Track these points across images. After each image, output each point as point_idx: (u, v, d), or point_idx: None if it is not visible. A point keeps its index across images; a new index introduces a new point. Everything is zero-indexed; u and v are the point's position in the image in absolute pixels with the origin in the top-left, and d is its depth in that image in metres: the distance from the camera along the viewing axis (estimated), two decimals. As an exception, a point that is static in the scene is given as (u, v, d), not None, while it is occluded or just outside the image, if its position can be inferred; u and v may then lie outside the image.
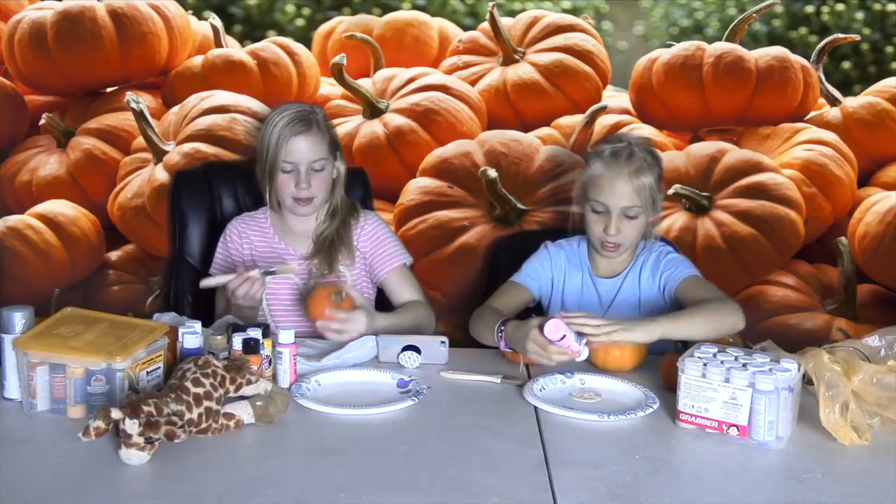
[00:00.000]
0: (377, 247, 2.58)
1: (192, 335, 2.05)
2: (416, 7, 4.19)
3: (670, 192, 3.56)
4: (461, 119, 3.80)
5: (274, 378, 2.08)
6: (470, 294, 3.43)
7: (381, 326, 2.36)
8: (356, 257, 2.57)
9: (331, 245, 2.51)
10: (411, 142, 3.75)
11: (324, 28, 4.16)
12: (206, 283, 2.40)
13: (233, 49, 4.04)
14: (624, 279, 2.47)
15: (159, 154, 3.73)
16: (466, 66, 4.00)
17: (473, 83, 3.94)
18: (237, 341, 2.05)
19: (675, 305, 2.47)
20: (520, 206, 3.64)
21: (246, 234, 2.56)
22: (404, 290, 2.59)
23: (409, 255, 2.63)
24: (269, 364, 2.08)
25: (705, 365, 1.89)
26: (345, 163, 2.57)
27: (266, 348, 2.07)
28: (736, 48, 3.83)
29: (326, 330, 2.30)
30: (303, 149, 2.44)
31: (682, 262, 2.47)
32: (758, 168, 3.67)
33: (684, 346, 2.14)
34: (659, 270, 2.45)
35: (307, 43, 4.10)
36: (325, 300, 2.30)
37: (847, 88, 4.05)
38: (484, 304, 2.44)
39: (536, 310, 2.53)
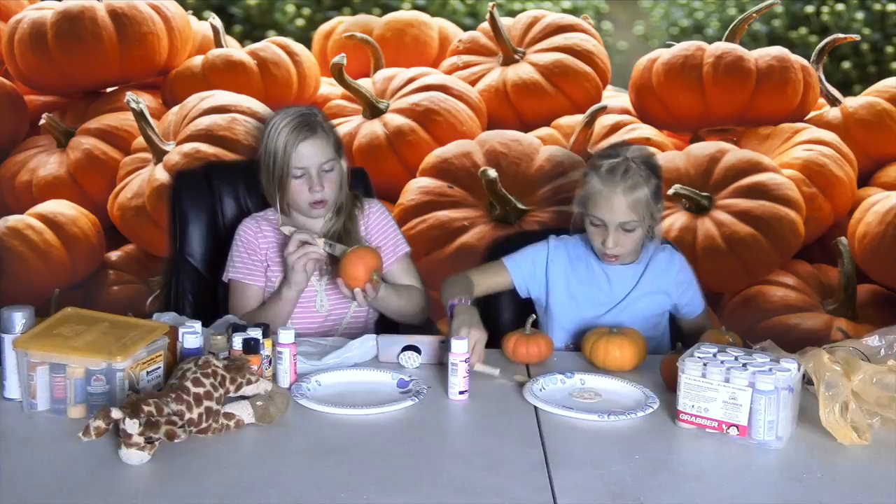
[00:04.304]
0: (382, 237, 2.59)
1: (192, 335, 2.05)
2: (416, 7, 4.20)
3: (670, 191, 3.57)
4: (461, 119, 3.81)
5: (274, 378, 2.08)
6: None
7: (381, 295, 2.40)
8: None
9: (338, 241, 2.51)
10: (411, 142, 3.76)
11: (324, 28, 4.16)
12: (285, 229, 2.44)
13: (233, 49, 4.04)
14: (638, 275, 2.49)
15: (159, 154, 3.73)
16: (466, 66, 4.00)
17: (473, 83, 3.94)
18: (237, 341, 2.05)
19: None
20: (520, 206, 3.64)
21: (262, 232, 2.56)
22: (405, 280, 2.61)
23: (408, 243, 2.66)
24: (269, 364, 2.08)
25: (705, 365, 1.89)
26: (346, 159, 2.58)
27: (266, 348, 2.07)
28: (736, 48, 3.83)
29: (359, 297, 2.35)
30: (312, 153, 2.45)
31: (695, 287, 2.55)
32: (758, 168, 3.67)
33: (684, 345, 2.14)
34: (673, 283, 2.51)
35: (307, 43, 4.11)
36: (368, 274, 2.33)
37: (847, 88, 4.05)
38: (463, 272, 2.52)
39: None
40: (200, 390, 1.82)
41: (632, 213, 2.35)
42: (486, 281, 2.51)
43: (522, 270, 2.54)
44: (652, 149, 2.67)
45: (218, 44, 4.04)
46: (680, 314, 2.56)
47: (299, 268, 2.38)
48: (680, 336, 2.57)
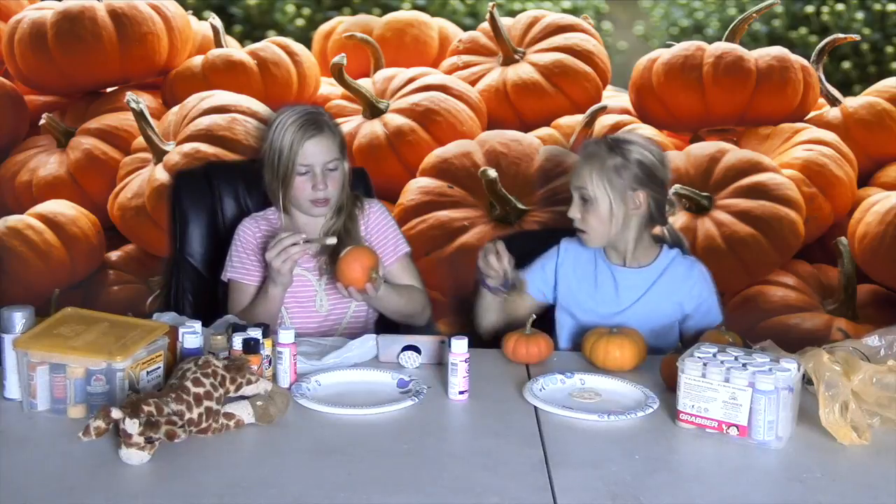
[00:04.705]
0: (382, 237, 2.60)
1: (192, 335, 2.05)
2: (416, 7, 4.19)
3: (670, 192, 3.56)
4: (461, 119, 3.80)
5: (274, 378, 2.08)
6: (470, 294, 3.43)
7: (381, 294, 2.41)
8: None
9: (339, 241, 2.51)
10: (411, 142, 3.76)
11: (324, 28, 4.16)
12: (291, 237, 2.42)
13: (233, 49, 4.04)
14: (650, 281, 2.46)
15: (159, 154, 3.73)
16: (466, 66, 4.00)
17: (473, 83, 3.94)
18: (237, 341, 2.05)
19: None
20: (520, 206, 3.64)
21: (261, 232, 2.56)
22: (405, 279, 2.61)
23: (408, 243, 2.66)
24: (269, 364, 2.08)
25: (705, 365, 1.89)
26: (349, 161, 2.59)
27: (266, 348, 2.07)
28: (736, 48, 3.83)
29: (354, 295, 2.37)
30: (318, 151, 2.45)
31: (710, 302, 2.50)
32: (758, 168, 3.67)
33: (684, 346, 2.14)
34: (688, 296, 2.47)
35: (307, 43, 4.10)
36: (367, 273, 2.33)
37: (847, 88, 4.04)
38: None
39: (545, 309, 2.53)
40: (200, 390, 1.82)
41: (588, 180, 2.39)
42: (515, 300, 2.51)
43: (535, 279, 2.55)
44: (658, 150, 2.62)
45: (218, 44, 4.03)
46: (685, 325, 2.50)
47: (286, 270, 2.38)
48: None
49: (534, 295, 2.56)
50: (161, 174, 3.67)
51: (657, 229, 2.52)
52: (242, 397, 1.90)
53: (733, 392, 1.86)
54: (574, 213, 2.43)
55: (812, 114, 3.91)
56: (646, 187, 2.41)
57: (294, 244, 2.35)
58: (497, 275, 2.38)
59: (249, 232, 2.56)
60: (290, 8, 4.23)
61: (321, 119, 2.49)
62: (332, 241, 2.42)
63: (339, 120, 3.75)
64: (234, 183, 2.80)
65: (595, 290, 2.49)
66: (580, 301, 2.50)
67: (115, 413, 1.71)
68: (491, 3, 3.92)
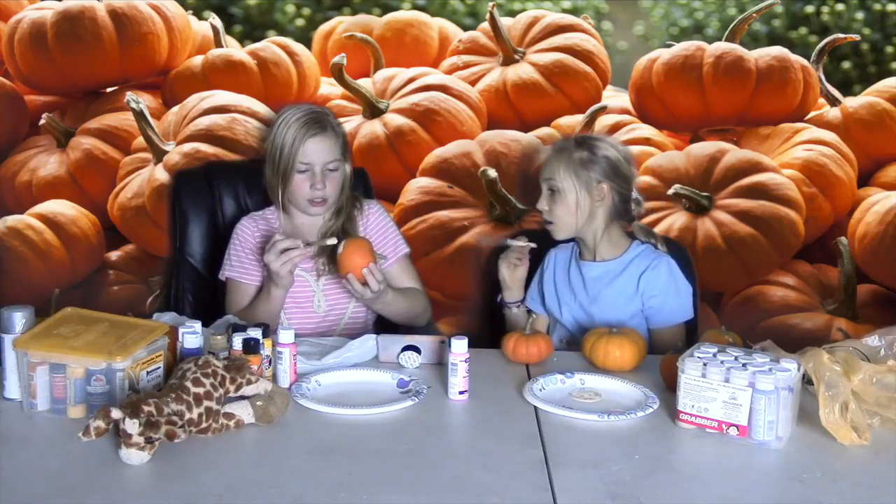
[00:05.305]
0: (381, 238, 2.60)
1: (192, 335, 2.05)
2: (416, 7, 4.19)
3: (670, 192, 3.57)
4: (461, 119, 3.80)
5: (274, 378, 2.08)
6: (470, 294, 3.44)
7: (387, 299, 2.43)
8: None
9: (337, 242, 2.51)
10: (411, 142, 3.76)
11: (324, 28, 4.16)
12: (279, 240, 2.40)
13: (233, 49, 4.04)
14: (614, 275, 2.49)
15: (159, 154, 3.73)
16: (466, 66, 4.00)
17: (473, 83, 3.94)
18: (237, 341, 2.05)
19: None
20: (520, 205, 3.64)
21: (259, 232, 2.56)
22: (405, 280, 2.61)
23: (407, 244, 2.66)
24: (269, 364, 2.08)
25: (705, 365, 1.89)
26: (351, 163, 2.58)
27: (266, 348, 2.07)
28: (736, 48, 3.83)
29: (368, 277, 2.33)
30: (319, 150, 2.46)
31: (670, 297, 2.48)
32: (758, 168, 3.67)
33: (684, 346, 2.15)
34: (644, 285, 2.47)
35: (307, 43, 4.10)
36: (370, 256, 2.35)
37: (847, 88, 4.04)
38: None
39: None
40: (200, 390, 1.82)
41: (556, 172, 2.45)
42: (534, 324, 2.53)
43: (535, 299, 2.62)
44: (630, 148, 2.64)
45: (218, 44, 4.03)
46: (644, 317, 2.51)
47: (285, 273, 2.38)
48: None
49: (540, 312, 2.63)
50: (161, 174, 3.67)
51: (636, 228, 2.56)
52: (242, 397, 1.90)
53: (733, 392, 1.86)
54: (542, 204, 2.49)
55: (812, 114, 3.91)
56: (610, 180, 2.47)
57: (289, 249, 2.35)
58: (512, 285, 2.53)
59: (248, 231, 2.56)
60: (290, 8, 4.23)
61: (325, 119, 2.50)
62: (332, 241, 2.42)
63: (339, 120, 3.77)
64: (234, 183, 2.80)
65: (569, 287, 2.55)
66: (560, 301, 2.56)
67: (115, 413, 1.71)
68: (491, 3, 3.92)
